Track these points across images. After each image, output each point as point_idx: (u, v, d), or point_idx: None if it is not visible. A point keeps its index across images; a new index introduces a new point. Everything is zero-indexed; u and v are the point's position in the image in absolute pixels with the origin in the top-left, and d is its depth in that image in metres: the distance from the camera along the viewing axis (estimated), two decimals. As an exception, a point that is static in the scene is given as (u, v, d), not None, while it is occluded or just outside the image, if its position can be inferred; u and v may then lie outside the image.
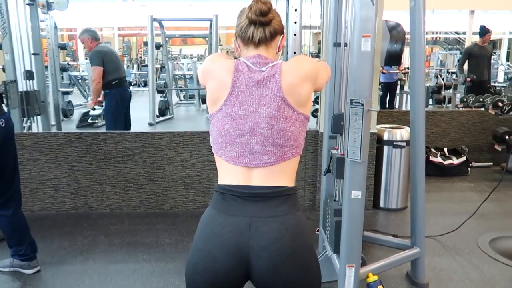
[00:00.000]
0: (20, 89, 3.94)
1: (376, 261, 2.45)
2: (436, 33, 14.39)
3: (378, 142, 3.67)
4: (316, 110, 4.56)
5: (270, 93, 1.22)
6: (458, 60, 10.34)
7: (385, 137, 3.69)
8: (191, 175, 3.63)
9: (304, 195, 3.70)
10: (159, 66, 10.08)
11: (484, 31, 6.39)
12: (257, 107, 1.22)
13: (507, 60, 14.51)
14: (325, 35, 3.25)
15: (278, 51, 1.32)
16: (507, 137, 4.55)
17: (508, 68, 12.31)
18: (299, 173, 3.58)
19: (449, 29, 13.80)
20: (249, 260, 1.17)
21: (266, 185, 1.22)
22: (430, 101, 8.78)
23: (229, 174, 1.25)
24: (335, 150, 2.43)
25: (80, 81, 9.19)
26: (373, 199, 3.72)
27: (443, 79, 8.96)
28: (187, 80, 10.95)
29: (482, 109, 4.88)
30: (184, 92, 10.73)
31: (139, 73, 12.90)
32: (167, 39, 8.53)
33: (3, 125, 2.39)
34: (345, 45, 2.33)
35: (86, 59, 8.63)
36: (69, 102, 7.96)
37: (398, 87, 8.15)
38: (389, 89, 7.85)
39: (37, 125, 4.36)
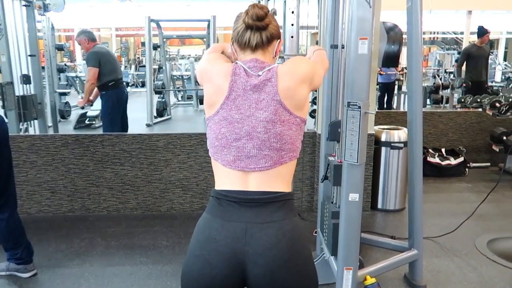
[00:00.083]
0: (17, 94, 3.92)
1: (374, 263, 2.45)
2: (434, 33, 14.40)
3: (376, 143, 3.67)
4: (314, 111, 4.56)
5: (267, 97, 1.21)
6: (456, 60, 10.36)
7: (383, 138, 3.68)
8: (188, 177, 3.62)
9: (301, 197, 3.69)
10: (157, 66, 10.06)
11: (482, 32, 6.40)
12: (254, 111, 1.21)
13: (505, 60, 14.54)
14: (322, 37, 3.24)
15: (275, 56, 1.32)
16: (504, 138, 4.55)
17: (505, 68, 12.34)
18: (296, 174, 3.57)
19: (447, 29, 13.82)
20: (245, 267, 1.16)
21: (263, 190, 1.21)
22: (428, 101, 8.80)
23: (225, 179, 1.25)
24: (332, 157, 2.43)
25: (77, 82, 9.16)
26: (371, 200, 3.72)
27: (440, 79, 8.98)
28: (185, 80, 10.93)
29: (480, 109, 4.89)
30: (182, 93, 10.71)
31: (137, 74, 12.87)
32: (164, 39, 8.51)
33: None
34: (342, 47, 2.32)
35: (84, 60, 8.59)
36: (67, 103, 7.93)
37: (396, 87, 8.15)
38: (387, 89, 7.85)
39: (33, 128, 4.34)
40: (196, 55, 14.45)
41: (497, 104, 4.48)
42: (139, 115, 7.54)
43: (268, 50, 1.29)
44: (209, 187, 3.60)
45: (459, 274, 2.65)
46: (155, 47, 8.10)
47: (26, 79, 4.03)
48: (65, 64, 9.10)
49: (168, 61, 9.52)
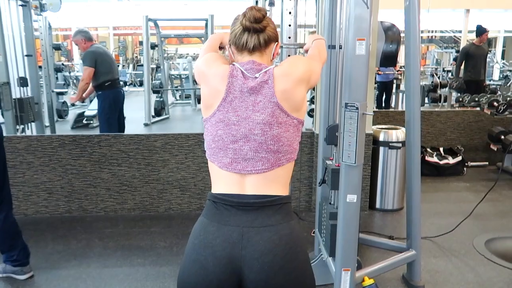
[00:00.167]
0: (14, 96, 3.89)
1: (372, 263, 2.44)
2: (432, 31, 14.41)
3: (374, 143, 3.66)
4: (312, 110, 4.55)
5: (264, 99, 1.20)
6: (454, 59, 10.36)
7: (381, 138, 3.68)
8: (186, 177, 3.61)
9: (299, 197, 3.68)
10: (155, 66, 10.04)
11: (481, 31, 6.40)
12: (251, 113, 1.20)
13: (502, 58, 14.56)
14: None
15: (273, 59, 1.31)
16: (502, 137, 4.55)
17: (503, 66, 12.36)
18: (295, 174, 3.56)
19: (445, 28, 13.82)
20: (242, 272, 1.15)
21: (259, 194, 1.20)
22: (426, 100, 8.80)
23: (222, 182, 1.24)
24: (330, 161, 2.42)
25: (75, 81, 9.13)
26: (369, 200, 3.71)
27: (439, 78, 8.98)
28: (183, 79, 10.91)
29: (478, 108, 4.89)
30: (180, 92, 10.69)
31: (135, 73, 12.84)
32: (162, 39, 8.48)
33: None
34: (340, 47, 2.31)
35: (81, 59, 8.58)
36: (64, 102, 7.90)
37: (394, 86, 8.14)
38: (385, 88, 7.84)
39: (30, 130, 4.32)
40: (194, 54, 14.42)
41: (495, 103, 4.48)
42: (137, 114, 7.52)
43: (265, 52, 1.28)
44: (207, 188, 3.59)
45: (457, 275, 2.65)
46: (153, 46, 8.08)
47: (23, 82, 4.00)
48: (63, 64, 9.07)
49: (166, 60, 9.49)
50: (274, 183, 1.23)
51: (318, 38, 1.56)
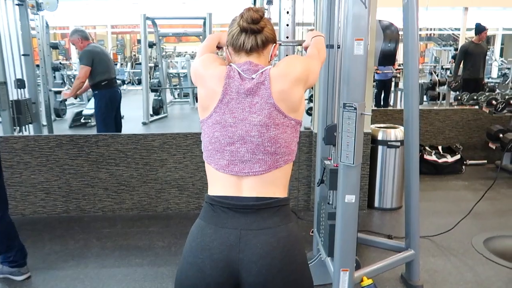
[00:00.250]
0: (11, 98, 3.87)
1: (371, 263, 2.44)
2: (430, 29, 14.40)
3: (373, 142, 3.65)
4: (311, 108, 4.54)
5: (260, 100, 1.19)
6: (453, 57, 10.35)
7: (380, 137, 3.67)
8: (184, 176, 3.59)
9: (298, 196, 3.68)
10: (153, 64, 10.01)
11: (480, 29, 6.38)
12: (247, 115, 1.19)
13: (501, 56, 14.56)
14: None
15: (270, 60, 1.29)
16: (501, 135, 4.55)
17: (501, 64, 12.35)
18: (293, 173, 3.55)
19: (444, 26, 13.81)
20: (239, 275, 1.14)
21: (257, 196, 1.19)
22: (425, 98, 8.79)
23: (219, 184, 1.23)
24: (328, 161, 2.41)
25: (73, 80, 9.09)
26: (368, 199, 3.71)
27: (437, 76, 8.97)
28: (181, 78, 10.89)
29: (477, 107, 4.88)
30: (178, 90, 10.67)
31: (133, 71, 12.81)
32: (160, 37, 8.46)
33: None
34: (338, 47, 2.30)
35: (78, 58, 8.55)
36: (62, 101, 7.87)
37: (393, 84, 8.14)
38: (383, 86, 7.83)
39: (28, 131, 4.29)
40: (192, 52, 14.38)
41: (494, 102, 4.48)
42: (135, 113, 7.50)
43: (263, 53, 1.26)
44: (205, 187, 3.57)
45: (456, 274, 2.65)
46: (151, 45, 8.05)
47: (20, 83, 3.98)
48: (60, 63, 9.04)
49: (164, 59, 9.46)
50: (272, 185, 1.22)
51: (317, 34, 1.52)
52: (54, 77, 8.44)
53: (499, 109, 4.43)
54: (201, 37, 8.34)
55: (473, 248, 2.96)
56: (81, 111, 7.21)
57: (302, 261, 1.21)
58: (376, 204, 3.75)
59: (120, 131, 4.56)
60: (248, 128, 1.19)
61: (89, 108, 6.94)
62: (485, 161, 4.99)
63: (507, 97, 4.52)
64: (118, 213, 3.59)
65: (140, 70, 9.82)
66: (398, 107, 7.89)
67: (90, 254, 2.91)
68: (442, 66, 10.51)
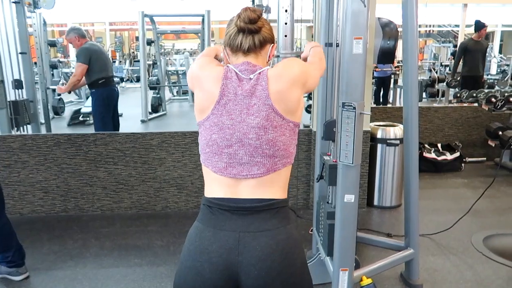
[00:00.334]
0: (9, 99, 3.85)
1: (370, 262, 2.44)
2: (430, 26, 14.37)
3: (372, 140, 3.64)
4: (310, 106, 4.52)
5: (258, 101, 1.18)
6: (452, 53, 10.33)
7: (379, 135, 3.66)
8: (183, 175, 3.58)
9: (297, 194, 3.67)
10: (151, 62, 9.97)
11: (479, 25, 6.36)
12: (245, 117, 1.18)
13: (500, 52, 14.55)
14: (317, 32, 3.20)
15: (268, 61, 1.28)
16: (500, 133, 4.54)
17: (500, 61, 12.34)
18: (292, 172, 3.53)
19: (443, 22, 13.79)
20: (239, 278, 1.14)
21: (255, 197, 1.18)
22: (424, 95, 8.79)
23: (217, 186, 1.21)
24: (328, 157, 2.40)
25: (69, 74, 9.05)
26: (367, 197, 3.70)
27: (436, 72, 8.96)
28: (180, 75, 10.85)
29: (476, 104, 4.87)
30: (177, 88, 10.64)
31: (132, 69, 12.78)
32: (158, 35, 8.42)
33: None
34: (337, 45, 2.28)
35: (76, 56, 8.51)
36: (60, 99, 7.86)
37: (392, 81, 8.12)
38: (382, 83, 7.82)
39: (26, 132, 4.26)
40: (191, 49, 14.36)
41: (493, 99, 4.47)
42: (134, 111, 7.48)
43: (261, 54, 1.25)
44: (204, 186, 3.56)
45: (456, 273, 2.64)
46: (149, 42, 8.02)
47: (18, 84, 3.95)
48: (59, 60, 9.00)
49: (163, 56, 9.43)
50: (271, 186, 1.21)
51: (316, 45, 1.53)
52: (52, 75, 8.42)
53: (498, 107, 4.42)
54: (199, 34, 8.30)
55: (472, 247, 2.96)
56: (80, 109, 7.20)
57: (302, 263, 1.20)
58: (376, 202, 3.74)
59: (118, 130, 4.55)
60: (246, 130, 1.17)
61: (88, 106, 6.90)
62: (484, 158, 4.99)
63: (506, 94, 4.51)
64: (117, 212, 3.58)
65: (138, 68, 9.81)
66: (397, 104, 7.88)
67: (89, 254, 2.90)
68: (441, 63, 10.50)
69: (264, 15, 2.66)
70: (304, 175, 3.66)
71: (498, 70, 11.94)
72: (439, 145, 4.83)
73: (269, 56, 1.27)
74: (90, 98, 4.77)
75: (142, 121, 7.22)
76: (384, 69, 7.46)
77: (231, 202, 1.18)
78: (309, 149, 3.60)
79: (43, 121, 5.16)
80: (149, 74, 9.62)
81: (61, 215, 3.53)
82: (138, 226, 3.34)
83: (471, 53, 6.48)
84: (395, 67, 7.89)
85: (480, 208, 3.42)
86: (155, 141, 3.51)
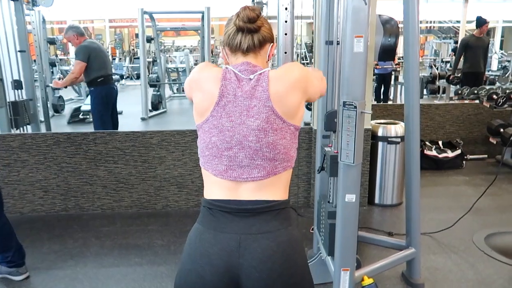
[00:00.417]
0: (8, 99, 3.83)
1: (372, 261, 2.43)
2: (430, 22, 14.32)
3: (373, 138, 3.63)
4: (311, 103, 4.50)
5: (258, 103, 1.16)
6: (453, 50, 10.28)
7: (380, 133, 3.64)
8: (183, 174, 3.57)
9: (298, 193, 3.66)
10: (151, 59, 9.94)
11: (481, 22, 6.32)
12: (245, 119, 1.16)
13: (501, 48, 14.50)
14: (317, 29, 3.17)
15: (268, 60, 1.26)
16: (501, 130, 4.52)
17: (501, 57, 12.30)
18: (293, 171, 3.53)
19: (444, 18, 13.73)
20: (240, 280, 1.12)
21: (256, 199, 1.17)
22: (425, 91, 8.76)
23: (217, 189, 1.20)
24: (329, 148, 2.37)
25: (68, 71, 9.02)
26: (368, 195, 3.69)
27: (437, 69, 8.93)
28: (180, 73, 10.83)
29: (477, 101, 4.85)
30: (177, 85, 10.62)
31: (132, 66, 12.75)
32: (158, 31, 8.39)
33: None
34: (338, 43, 2.26)
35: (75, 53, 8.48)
36: (60, 97, 7.84)
37: (393, 78, 8.10)
38: (383, 80, 7.79)
39: (26, 130, 4.25)
40: (191, 46, 14.31)
41: (494, 96, 4.44)
42: (134, 108, 7.47)
43: (260, 53, 1.23)
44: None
45: (457, 271, 2.63)
46: (149, 40, 7.99)
47: (17, 85, 3.94)
48: (56, 55, 8.97)
49: (163, 53, 9.40)
50: (271, 188, 1.19)
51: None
52: (52, 72, 8.40)
53: (499, 104, 4.40)
54: (199, 31, 8.27)
55: (474, 245, 2.95)
56: (80, 106, 7.18)
57: (303, 264, 1.19)
58: (377, 201, 3.73)
59: (117, 128, 4.53)
60: (246, 133, 1.16)
61: (87, 103, 6.88)
62: (486, 155, 4.97)
63: (507, 91, 4.48)
64: (117, 211, 3.57)
65: (138, 65, 9.78)
66: (398, 101, 7.86)
67: (89, 253, 2.89)
68: (442, 59, 10.47)
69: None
70: (305, 173, 3.64)
71: (499, 66, 11.91)
72: (440, 142, 4.81)
73: (268, 56, 1.25)
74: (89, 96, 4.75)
75: (142, 119, 7.20)
76: (384, 66, 7.43)
77: (232, 204, 1.16)
78: (309, 147, 3.58)
79: (42, 119, 5.15)
80: (149, 72, 9.60)
81: (61, 214, 3.52)
82: (139, 225, 3.33)
83: (472, 49, 6.44)
84: (396, 64, 7.86)
85: (481, 206, 3.41)
86: (155, 139, 3.50)
